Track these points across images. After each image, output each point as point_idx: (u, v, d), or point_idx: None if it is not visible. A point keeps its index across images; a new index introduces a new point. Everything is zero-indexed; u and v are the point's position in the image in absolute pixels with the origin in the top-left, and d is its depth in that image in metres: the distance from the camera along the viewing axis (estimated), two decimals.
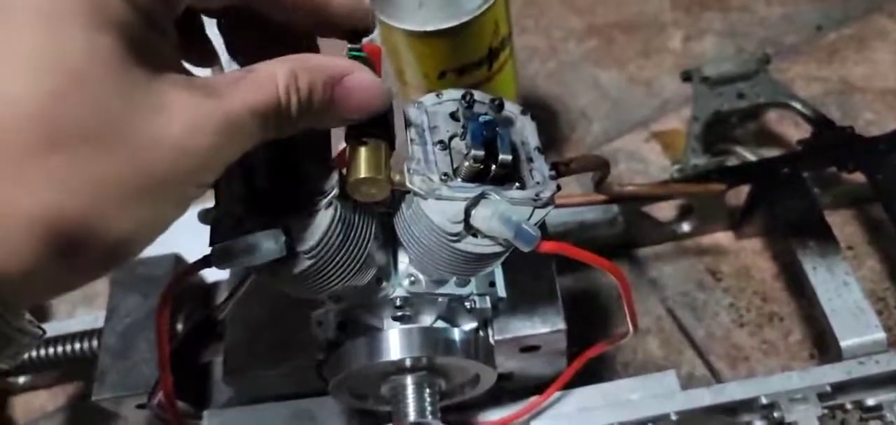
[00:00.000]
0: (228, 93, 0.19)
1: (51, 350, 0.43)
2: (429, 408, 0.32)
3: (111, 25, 0.17)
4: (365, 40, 0.26)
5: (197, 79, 0.20)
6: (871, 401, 0.39)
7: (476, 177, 0.25)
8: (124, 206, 0.18)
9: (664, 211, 0.50)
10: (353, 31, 0.25)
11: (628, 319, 0.31)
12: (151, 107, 0.18)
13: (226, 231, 0.24)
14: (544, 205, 0.26)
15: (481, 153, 0.25)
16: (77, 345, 0.43)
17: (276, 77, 0.20)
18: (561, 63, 0.63)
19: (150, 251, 0.21)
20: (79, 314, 0.49)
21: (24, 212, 0.16)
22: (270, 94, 0.20)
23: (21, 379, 0.48)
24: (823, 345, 0.43)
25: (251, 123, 0.20)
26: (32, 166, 0.16)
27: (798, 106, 0.47)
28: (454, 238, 0.25)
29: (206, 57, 0.26)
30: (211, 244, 0.24)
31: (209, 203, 0.25)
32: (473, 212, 0.25)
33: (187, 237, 0.26)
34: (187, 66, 0.24)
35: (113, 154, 0.17)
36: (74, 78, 0.17)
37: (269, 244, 0.23)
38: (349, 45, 0.25)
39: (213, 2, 0.21)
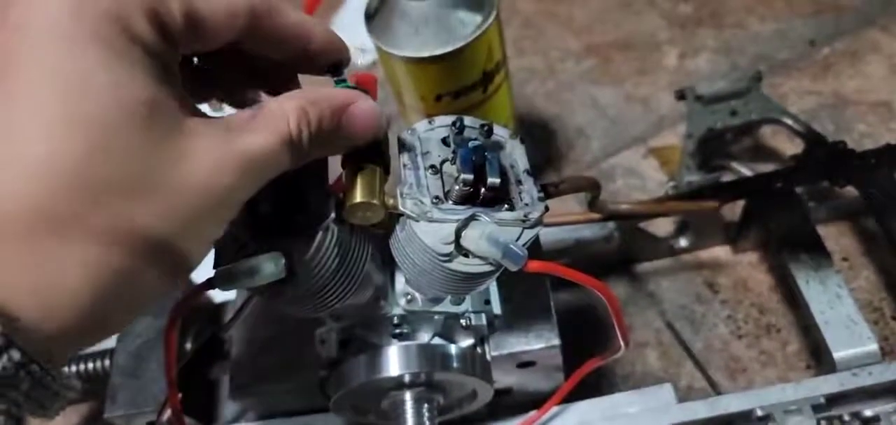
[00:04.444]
0: (245, 132, 0.21)
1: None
2: (427, 423, 0.33)
3: (135, 76, 0.18)
4: (361, 70, 0.27)
5: (214, 120, 0.21)
6: (868, 412, 0.39)
7: (466, 199, 0.26)
8: (157, 253, 0.19)
9: (661, 226, 0.51)
10: (332, 65, 0.26)
11: (619, 336, 0.32)
12: (177, 153, 0.19)
13: (229, 254, 0.25)
14: (533, 226, 0.27)
15: (470, 176, 0.26)
16: (90, 365, 0.45)
17: (286, 113, 0.22)
18: (559, 82, 0.64)
19: None
20: None
21: (67, 269, 0.17)
22: (283, 129, 0.21)
23: None
24: (820, 356, 0.44)
25: (268, 159, 0.21)
26: (74, 225, 0.17)
27: (790, 122, 0.48)
28: (445, 258, 0.26)
29: (205, 93, 0.27)
30: (215, 267, 0.25)
31: None
32: (463, 233, 0.26)
33: None
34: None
35: (145, 203, 0.18)
36: (105, 135, 0.17)
37: (269, 267, 0.24)
38: (334, 78, 0.26)
39: (206, 45, 0.22)
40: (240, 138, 0.20)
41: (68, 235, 0.17)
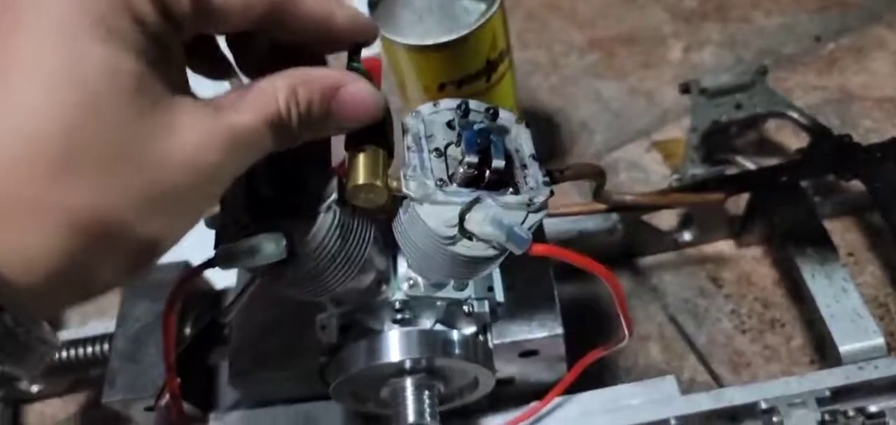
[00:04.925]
0: (233, 110, 0.20)
1: (64, 354, 0.45)
2: (428, 410, 0.33)
3: (126, 51, 0.18)
4: (365, 53, 0.27)
5: (202, 98, 0.21)
6: (873, 408, 0.39)
7: (471, 182, 0.26)
8: (137, 224, 0.19)
9: (665, 220, 0.50)
10: (357, 44, 0.26)
11: (623, 324, 0.32)
12: (163, 128, 0.19)
13: (230, 235, 0.25)
14: (537, 210, 0.26)
15: (475, 159, 0.26)
16: (89, 350, 0.44)
17: (276, 92, 0.21)
18: (563, 76, 0.64)
19: (162, 258, 0.22)
20: (91, 324, 0.51)
21: (43, 227, 0.17)
22: (272, 108, 0.21)
23: (34, 388, 0.50)
24: (824, 351, 0.43)
25: (256, 137, 0.21)
26: (52, 187, 0.17)
27: (795, 115, 0.48)
28: (449, 241, 0.25)
29: (221, 70, 0.27)
30: (215, 247, 0.25)
31: (216, 208, 0.26)
32: (467, 216, 0.25)
33: (198, 244, 0.27)
34: (204, 79, 0.25)
35: (127, 175, 0.18)
36: (92, 106, 0.18)
37: (269, 246, 0.24)
38: (349, 57, 0.26)
39: (219, 29, 0.22)
40: (226, 116, 0.20)
41: (42, 196, 0.17)
